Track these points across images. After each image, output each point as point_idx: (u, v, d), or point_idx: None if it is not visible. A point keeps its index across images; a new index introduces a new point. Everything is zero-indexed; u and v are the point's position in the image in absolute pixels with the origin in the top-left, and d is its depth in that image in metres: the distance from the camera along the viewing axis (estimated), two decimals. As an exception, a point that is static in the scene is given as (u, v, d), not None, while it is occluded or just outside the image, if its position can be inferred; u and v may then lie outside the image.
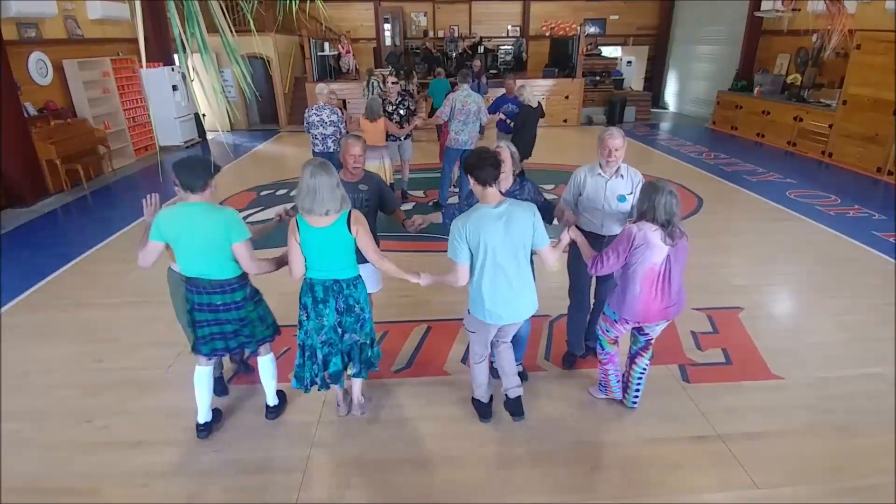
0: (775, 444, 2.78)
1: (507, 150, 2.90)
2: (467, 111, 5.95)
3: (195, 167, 2.50)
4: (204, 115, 11.07)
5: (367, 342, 2.84)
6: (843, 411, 3.00)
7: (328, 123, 5.75)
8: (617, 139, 2.93)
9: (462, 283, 2.58)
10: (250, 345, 2.85)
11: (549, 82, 12.16)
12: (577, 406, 3.08)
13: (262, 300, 2.89)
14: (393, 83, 6.68)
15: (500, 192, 3.14)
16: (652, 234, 2.51)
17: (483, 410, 3.00)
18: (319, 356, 2.74)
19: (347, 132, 5.79)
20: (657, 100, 14.90)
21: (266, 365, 2.94)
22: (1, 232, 6.01)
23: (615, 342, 2.92)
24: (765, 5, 10.52)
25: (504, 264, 2.51)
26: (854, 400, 3.08)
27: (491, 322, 2.62)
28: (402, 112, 6.48)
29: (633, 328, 2.83)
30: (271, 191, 7.41)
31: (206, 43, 1.77)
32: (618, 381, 3.02)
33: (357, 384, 3.01)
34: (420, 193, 7.24)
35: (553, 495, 2.50)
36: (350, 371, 2.88)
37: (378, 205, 3.20)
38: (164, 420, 3.02)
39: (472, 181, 2.54)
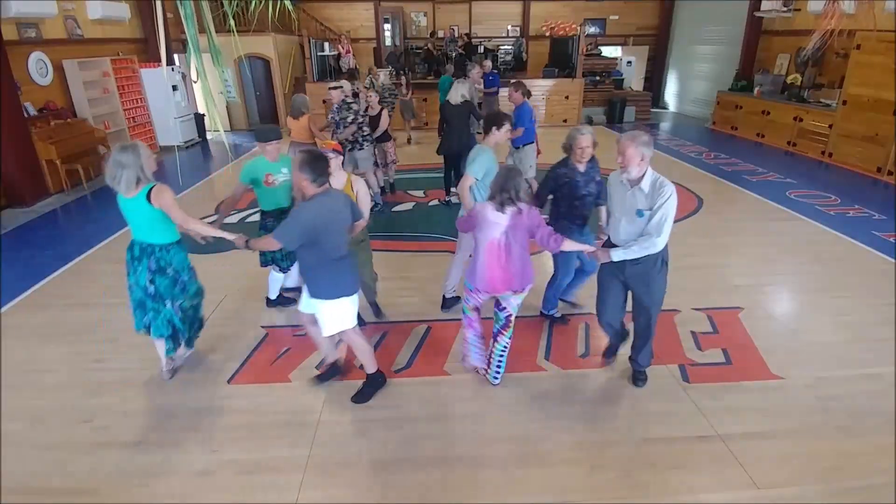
0: (775, 444, 2.78)
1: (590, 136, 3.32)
2: None
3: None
4: (204, 115, 11.08)
5: (196, 302, 3.26)
6: (843, 411, 2.99)
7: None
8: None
9: None
10: None
11: (549, 82, 12.15)
12: (577, 406, 3.08)
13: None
14: (331, 87, 6.13)
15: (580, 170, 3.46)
16: (489, 211, 2.81)
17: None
18: (144, 311, 3.09)
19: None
20: (657, 100, 14.89)
21: None
22: (1, 232, 6.01)
23: (475, 309, 3.17)
24: (765, 5, 10.52)
25: None
26: (854, 400, 3.08)
27: None
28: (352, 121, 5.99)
29: (495, 307, 3.08)
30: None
31: (197, 44, 1.77)
32: (478, 350, 3.25)
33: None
34: (420, 193, 7.23)
35: (553, 495, 2.50)
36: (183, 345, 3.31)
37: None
38: (164, 420, 3.02)
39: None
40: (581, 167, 3.38)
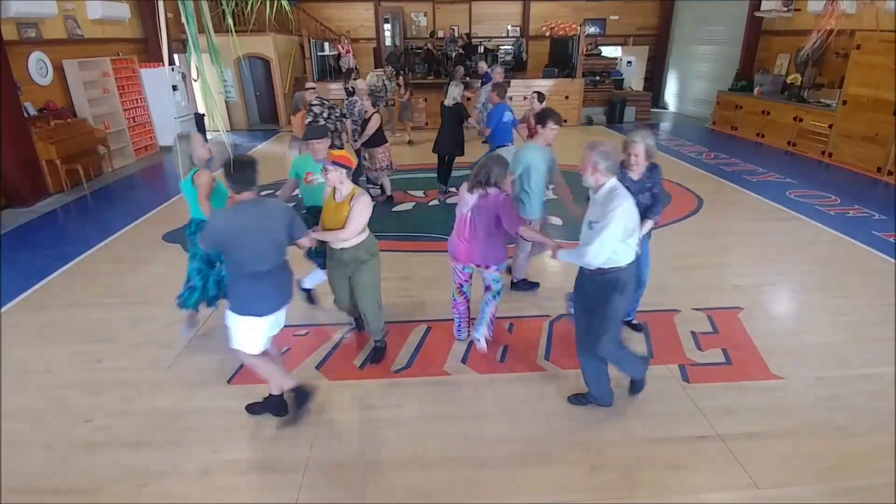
0: (775, 444, 2.78)
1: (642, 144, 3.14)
2: None
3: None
4: (203, 115, 11.07)
5: None
6: (843, 411, 2.99)
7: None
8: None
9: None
10: None
11: (549, 82, 12.15)
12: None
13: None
14: (307, 88, 6.15)
15: (633, 178, 3.24)
16: (463, 190, 3.26)
17: None
18: (193, 280, 3.53)
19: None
20: (657, 100, 14.88)
21: None
22: (1, 232, 6.01)
23: (459, 289, 3.59)
24: (765, 5, 10.52)
25: None
26: (854, 400, 3.08)
27: None
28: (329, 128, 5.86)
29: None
30: (271, 190, 7.39)
31: (198, 43, 1.77)
32: (458, 328, 3.72)
33: None
34: (420, 193, 7.23)
35: (553, 495, 2.50)
36: None
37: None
38: (164, 420, 3.02)
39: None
40: (634, 175, 3.23)
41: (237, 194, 2.55)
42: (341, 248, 3.17)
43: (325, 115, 6.01)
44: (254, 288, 2.62)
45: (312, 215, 3.65)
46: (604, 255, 2.58)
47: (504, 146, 5.82)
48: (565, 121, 12.08)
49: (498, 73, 7.18)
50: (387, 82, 10.00)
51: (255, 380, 3.34)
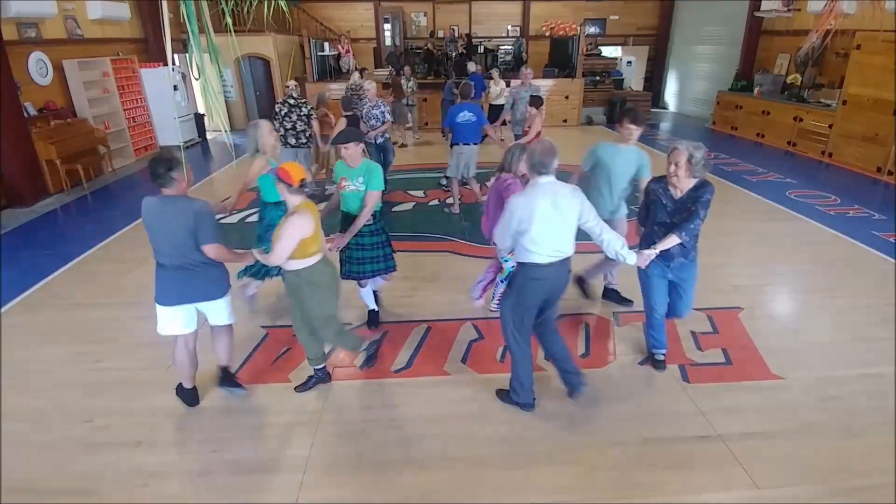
0: (775, 444, 2.78)
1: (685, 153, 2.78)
2: None
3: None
4: (203, 115, 11.07)
5: None
6: (843, 411, 2.99)
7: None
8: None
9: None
10: None
11: (549, 82, 12.15)
12: (578, 406, 3.08)
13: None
14: (286, 87, 6.28)
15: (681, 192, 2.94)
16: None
17: None
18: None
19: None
20: (657, 100, 14.89)
21: None
22: (1, 232, 6.01)
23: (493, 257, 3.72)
24: (765, 5, 10.53)
25: None
26: (854, 400, 3.08)
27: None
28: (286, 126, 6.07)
29: None
30: (271, 191, 7.39)
31: (199, 42, 1.78)
32: (475, 285, 3.77)
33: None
34: (420, 193, 7.23)
35: (553, 495, 2.50)
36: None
37: None
38: (164, 420, 3.02)
39: None
40: (675, 190, 2.91)
41: (159, 189, 2.65)
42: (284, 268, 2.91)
43: (283, 112, 5.96)
44: (157, 276, 2.80)
45: (348, 222, 3.51)
46: (503, 243, 2.78)
47: (457, 144, 6.00)
48: (565, 121, 12.23)
49: (525, 74, 7.17)
50: (404, 82, 9.97)
51: (255, 379, 3.35)
